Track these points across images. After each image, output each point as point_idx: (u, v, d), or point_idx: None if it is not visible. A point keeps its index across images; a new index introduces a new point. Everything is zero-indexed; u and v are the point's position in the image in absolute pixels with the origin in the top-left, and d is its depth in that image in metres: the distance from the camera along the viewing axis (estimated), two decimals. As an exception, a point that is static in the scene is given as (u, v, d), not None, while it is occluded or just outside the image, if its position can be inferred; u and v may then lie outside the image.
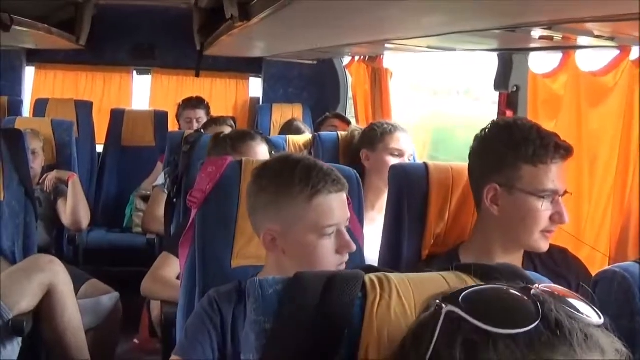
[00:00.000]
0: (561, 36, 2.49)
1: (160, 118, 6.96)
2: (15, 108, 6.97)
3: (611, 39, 2.42)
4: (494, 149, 2.38)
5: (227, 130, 4.91)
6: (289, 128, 6.50)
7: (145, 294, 3.64)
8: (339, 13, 2.67)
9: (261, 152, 3.49)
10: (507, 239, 2.42)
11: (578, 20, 2.07)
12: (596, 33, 2.32)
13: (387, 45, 4.12)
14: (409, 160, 3.81)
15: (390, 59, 5.42)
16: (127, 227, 6.31)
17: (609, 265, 2.67)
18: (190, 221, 2.62)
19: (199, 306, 2.30)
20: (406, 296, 1.31)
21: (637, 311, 1.75)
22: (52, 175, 5.18)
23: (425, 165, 2.73)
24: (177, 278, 3.44)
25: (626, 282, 1.78)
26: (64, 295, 3.67)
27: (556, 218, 2.33)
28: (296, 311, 1.27)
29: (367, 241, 2.76)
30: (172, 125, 6.82)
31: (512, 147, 2.32)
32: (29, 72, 7.52)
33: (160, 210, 4.57)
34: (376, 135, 3.79)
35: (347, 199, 2.24)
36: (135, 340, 5.19)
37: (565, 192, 2.34)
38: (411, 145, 3.87)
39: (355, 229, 2.48)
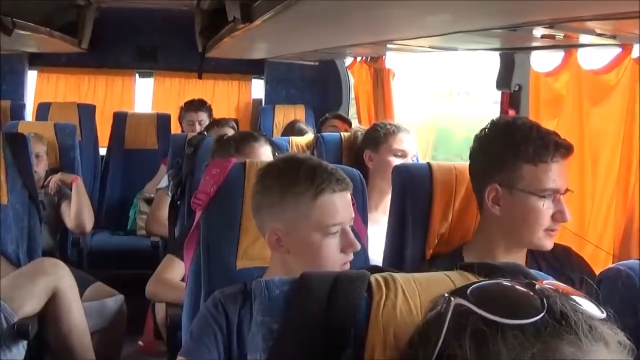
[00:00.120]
0: (563, 35, 2.49)
1: (163, 121, 6.97)
2: (17, 112, 6.96)
3: (613, 37, 2.42)
4: (494, 149, 2.38)
5: (230, 132, 4.92)
6: (292, 129, 6.50)
7: (150, 297, 3.64)
8: (342, 14, 2.67)
9: (265, 153, 3.49)
10: (509, 239, 2.42)
11: (580, 18, 2.07)
12: (598, 31, 2.32)
13: (389, 46, 4.12)
14: (412, 160, 3.81)
15: (391, 61, 5.43)
16: (130, 230, 6.32)
17: (612, 262, 2.68)
18: (195, 223, 2.63)
19: (204, 308, 2.30)
20: (412, 296, 1.32)
21: (641, 308, 1.75)
22: (56, 177, 5.18)
23: (429, 165, 2.73)
24: (182, 280, 3.45)
25: (630, 279, 1.78)
26: (68, 299, 3.67)
27: (558, 217, 2.33)
28: (303, 311, 1.28)
29: (371, 242, 2.77)
30: (175, 128, 6.82)
31: (512, 147, 2.32)
32: (31, 76, 7.52)
33: (164, 213, 4.57)
34: (379, 136, 3.80)
35: (351, 198, 2.25)
36: (140, 342, 5.19)
37: (567, 190, 2.34)
38: (414, 145, 3.87)
39: (359, 229, 2.48)
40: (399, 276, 1.36)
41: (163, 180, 5.08)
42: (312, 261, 2.14)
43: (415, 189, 2.70)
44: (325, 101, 7.16)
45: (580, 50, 3.00)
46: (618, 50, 2.75)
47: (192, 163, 4.07)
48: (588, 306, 1.08)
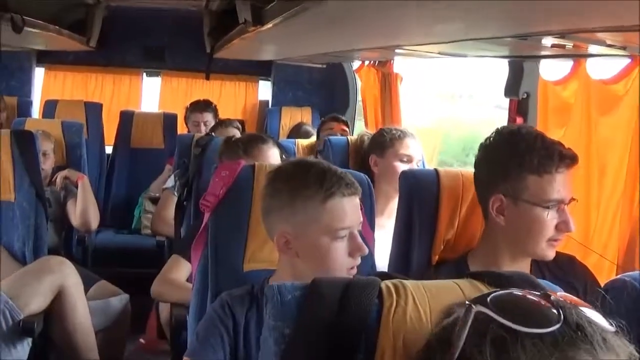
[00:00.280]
0: (572, 44, 2.49)
1: (169, 120, 6.98)
2: (24, 109, 6.99)
3: (623, 48, 2.42)
4: (499, 158, 2.39)
5: (234, 132, 4.94)
6: (298, 131, 6.52)
7: (155, 296, 3.65)
8: (354, 19, 2.68)
9: (273, 155, 3.51)
10: (514, 248, 2.43)
11: (590, 30, 2.08)
12: (608, 42, 2.33)
13: (398, 51, 4.13)
14: (418, 165, 3.82)
15: (398, 64, 5.43)
16: (135, 229, 6.32)
17: (616, 272, 2.69)
18: (203, 225, 2.64)
19: (211, 309, 2.31)
20: (421, 303, 1.33)
21: (647, 319, 1.76)
22: (63, 173, 5.19)
23: (436, 171, 2.74)
24: (187, 280, 3.47)
25: (635, 290, 1.78)
26: (74, 297, 3.69)
27: (562, 227, 2.33)
28: (314, 317, 1.29)
29: (377, 246, 2.78)
30: (182, 128, 6.83)
31: (516, 157, 2.32)
32: (39, 73, 7.53)
33: (170, 213, 4.58)
34: (385, 141, 3.80)
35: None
36: (141, 340, 5.20)
37: (572, 199, 2.35)
38: (420, 150, 3.87)
39: (366, 234, 2.49)
40: (409, 283, 1.38)
41: (169, 180, 5.08)
42: (320, 264, 2.15)
43: (422, 194, 2.71)
44: (332, 104, 7.15)
45: (589, 60, 3.00)
46: (627, 60, 2.76)
47: (200, 164, 4.08)
48: (598, 319, 1.10)
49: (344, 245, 2.17)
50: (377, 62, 5.73)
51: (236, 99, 7.76)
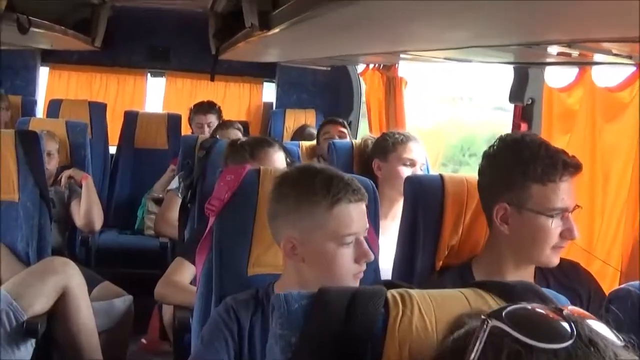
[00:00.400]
0: (578, 53, 2.49)
1: (173, 121, 6.97)
2: (29, 108, 7.00)
3: (629, 57, 2.43)
4: (503, 167, 2.39)
5: (236, 134, 4.93)
6: (301, 133, 6.52)
7: (158, 299, 3.64)
8: (360, 26, 2.68)
9: (279, 159, 3.50)
10: (518, 256, 2.43)
11: (597, 40, 2.08)
12: (614, 51, 2.33)
13: (403, 55, 4.12)
14: (421, 169, 3.82)
15: (402, 67, 5.43)
16: (138, 230, 6.31)
17: (620, 279, 2.70)
18: (208, 229, 2.64)
19: (215, 313, 2.32)
20: (427, 312, 1.34)
21: (652, 329, 1.76)
22: (68, 173, 5.19)
23: (441, 177, 2.74)
24: (190, 283, 3.47)
25: (640, 300, 1.79)
26: (77, 298, 3.69)
27: (566, 234, 2.33)
28: (321, 326, 1.30)
29: (380, 251, 2.78)
30: (186, 129, 6.83)
31: (520, 165, 2.32)
32: (43, 72, 7.54)
33: (173, 214, 4.57)
34: (388, 145, 3.81)
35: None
36: (143, 340, 5.20)
37: (576, 206, 2.35)
38: (423, 154, 3.88)
39: (371, 239, 2.49)
40: (415, 292, 1.38)
41: (173, 181, 5.08)
42: (326, 270, 2.16)
43: (426, 200, 2.71)
44: (336, 107, 7.15)
45: (595, 68, 3.01)
46: (632, 68, 2.76)
47: (204, 166, 4.07)
48: (607, 332, 1.10)
49: (350, 251, 2.18)
50: (381, 65, 5.72)
51: (240, 101, 7.76)
